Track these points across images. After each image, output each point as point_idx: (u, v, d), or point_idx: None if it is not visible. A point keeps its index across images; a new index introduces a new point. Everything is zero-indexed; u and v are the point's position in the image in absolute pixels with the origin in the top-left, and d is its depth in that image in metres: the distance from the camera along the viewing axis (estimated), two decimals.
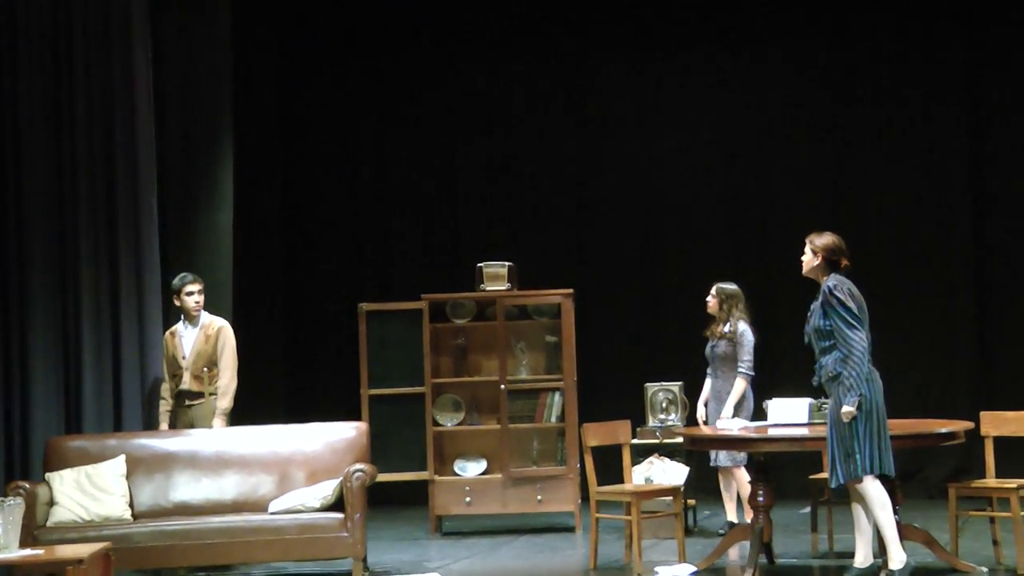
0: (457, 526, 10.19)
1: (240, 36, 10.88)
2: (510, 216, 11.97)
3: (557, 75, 12.03)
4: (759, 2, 11.73)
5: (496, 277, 10.07)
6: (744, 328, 9.22)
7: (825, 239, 7.37)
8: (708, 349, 9.36)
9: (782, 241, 11.62)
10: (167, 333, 9.17)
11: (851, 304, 7.15)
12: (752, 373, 9.17)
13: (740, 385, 9.14)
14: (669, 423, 9.72)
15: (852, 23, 11.63)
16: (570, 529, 9.95)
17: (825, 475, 8.68)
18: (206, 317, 9.11)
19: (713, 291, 9.38)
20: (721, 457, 9.19)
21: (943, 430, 7.72)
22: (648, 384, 9.87)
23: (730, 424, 8.44)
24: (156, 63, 9.82)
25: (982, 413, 8.23)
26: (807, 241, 7.42)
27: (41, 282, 9.24)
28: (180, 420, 9.02)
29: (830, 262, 7.34)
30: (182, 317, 9.12)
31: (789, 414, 8.05)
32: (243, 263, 11.12)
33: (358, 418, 9.63)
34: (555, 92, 12.05)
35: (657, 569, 7.97)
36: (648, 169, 11.93)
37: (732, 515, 9.32)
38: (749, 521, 7.98)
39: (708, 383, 9.39)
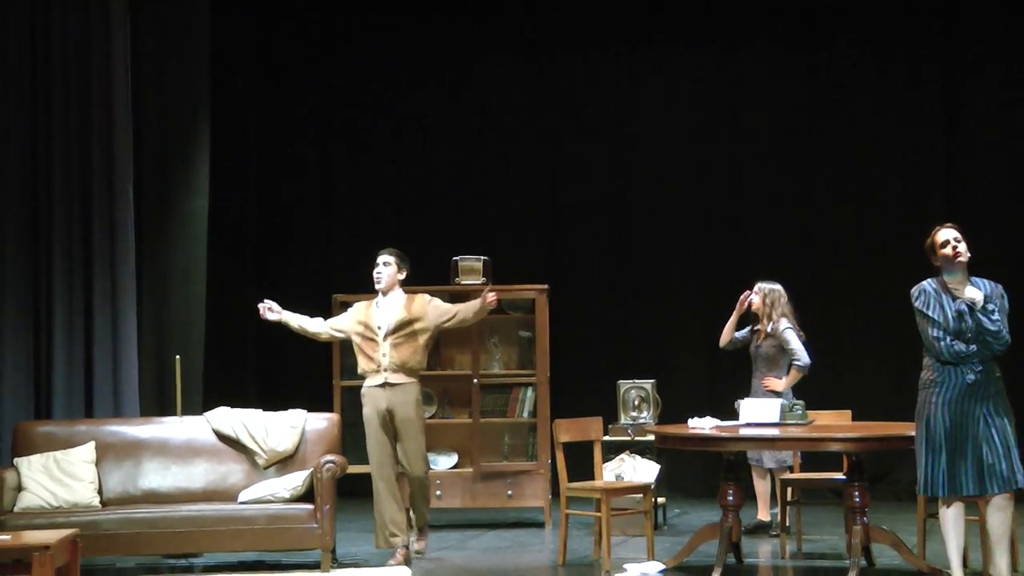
0: None
1: (219, 23, 10.86)
2: (486, 210, 11.97)
3: (532, 71, 12.03)
4: (735, 2, 11.75)
5: (471, 271, 10.06)
6: (787, 325, 9.03)
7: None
8: (752, 349, 9.18)
9: (757, 238, 11.70)
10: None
11: None
12: (808, 361, 9.00)
13: (795, 376, 9.01)
14: (641, 421, 9.72)
15: (828, 25, 11.65)
16: (540, 524, 9.96)
17: (795, 476, 8.72)
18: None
19: (756, 289, 9.15)
20: (765, 458, 9.11)
21: (913, 433, 7.74)
22: (621, 381, 9.86)
23: (702, 423, 8.44)
24: (134, 50, 9.79)
25: None
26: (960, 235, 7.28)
27: (13, 267, 9.21)
28: (377, 402, 8.46)
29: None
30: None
31: (760, 414, 8.06)
32: (218, 251, 11.09)
33: (330, 409, 9.61)
34: (531, 87, 12.04)
35: (626, 566, 7.98)
36: (623, 166, 11.95)
37: (764, 514, 9.28)
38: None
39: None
